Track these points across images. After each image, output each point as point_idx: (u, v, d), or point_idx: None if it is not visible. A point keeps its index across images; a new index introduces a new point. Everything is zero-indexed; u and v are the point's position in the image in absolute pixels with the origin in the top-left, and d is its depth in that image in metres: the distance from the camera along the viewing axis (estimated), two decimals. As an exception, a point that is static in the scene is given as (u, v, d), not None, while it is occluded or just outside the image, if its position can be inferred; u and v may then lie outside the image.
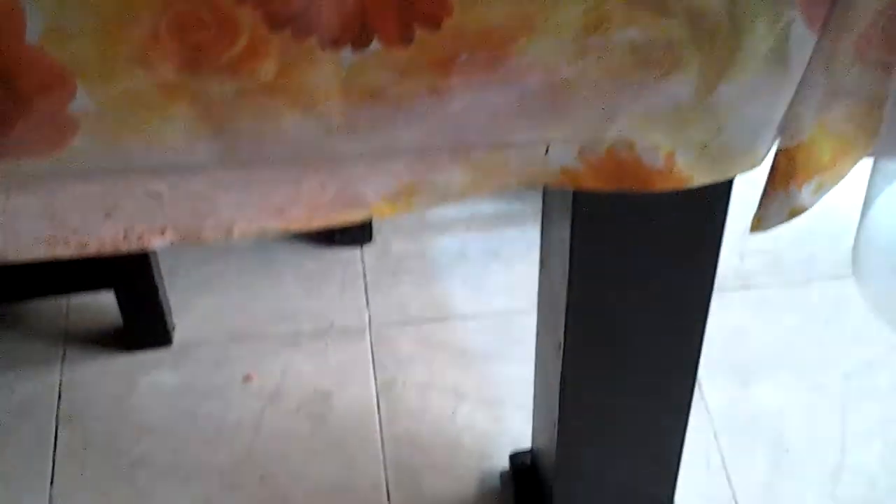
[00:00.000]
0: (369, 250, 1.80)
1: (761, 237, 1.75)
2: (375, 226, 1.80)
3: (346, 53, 0.72)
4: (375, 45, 0.72)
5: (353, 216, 0.85)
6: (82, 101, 0.73)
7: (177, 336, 1.68)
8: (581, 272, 1.06)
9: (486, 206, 1.85)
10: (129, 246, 0.84)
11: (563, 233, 1.05)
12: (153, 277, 1.58)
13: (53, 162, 0.77)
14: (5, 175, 0.77)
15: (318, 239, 1.81)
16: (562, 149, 0.82)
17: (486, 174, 0.83)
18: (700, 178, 0.83)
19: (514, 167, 0.83)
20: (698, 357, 1.17)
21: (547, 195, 1.14)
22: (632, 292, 1.09)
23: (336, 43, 0.72)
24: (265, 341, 1.68)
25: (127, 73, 0.72)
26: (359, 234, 1.79)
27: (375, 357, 1.65)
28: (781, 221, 0.94)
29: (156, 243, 0.84)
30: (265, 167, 0.82)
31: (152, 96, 0.74)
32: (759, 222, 0.95)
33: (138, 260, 1.55)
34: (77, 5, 0.68)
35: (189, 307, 1.72)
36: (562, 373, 1.17)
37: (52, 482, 1.51)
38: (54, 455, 1.54)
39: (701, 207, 1.01)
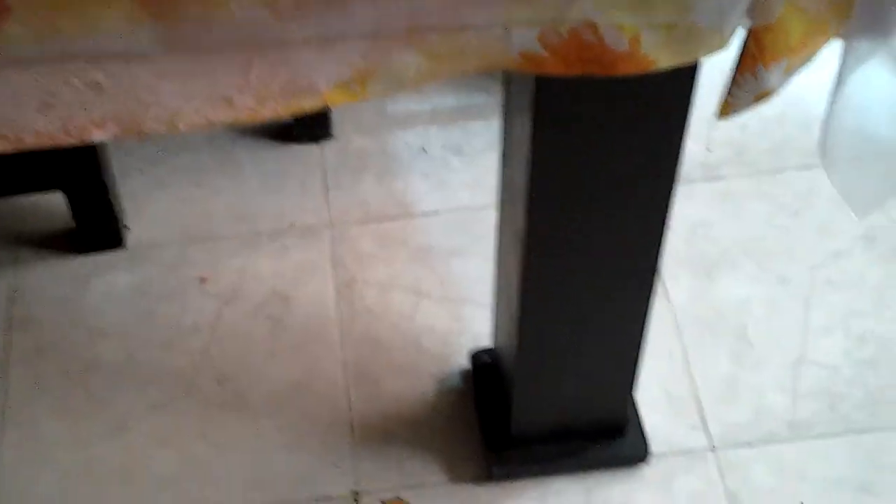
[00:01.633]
0: (329, 147, 1.76)
1: (728, 126, 1.73)
2: (335, 121, 1.76)
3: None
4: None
5: (304, 105, 0.82)
6: (12, -17, 0.69)
7: (131, 237, 1.64)
8: (542, 161, 1.04)
9: (449, 99, 1.81)
10: (68, 139, 0.81)
11: (524, 120, 1.02)
12: (103, 177, 1.54)
13: (-16, 49, 0.73)
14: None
15: (276, 135, 1.77)
16: (522, 31, 0.79)
17: (442, 59, 0.80)
18: (665, 60, 0.80)
19: (472, 51, 0.80)
20: (661, 249, 1.16)
21: (507, 83, 1.10)
22: (594, 182, 1.07)
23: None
24: (222, 242, 1.64)
25: (58, -50, 0.68)
26: (318, 129, 1.75)
27: (335, 256, 1.63)
28: (749, 105, 0.91)
29: (96, 136, 0.81)
30: (211, 54, 0.78)
31: (87, -24, 0.70)
32: (727, 107, 0.93)
33: (87, 159, 1.51)
34: None
35: (142, 208, 1.68)
36: (521, 266, 1.15)
37: (5, 388, 1.49)
38: (7, 361, 1.51)
39: (666, 93, 0.98)
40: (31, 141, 0.79)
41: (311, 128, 1.75)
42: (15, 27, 0.72)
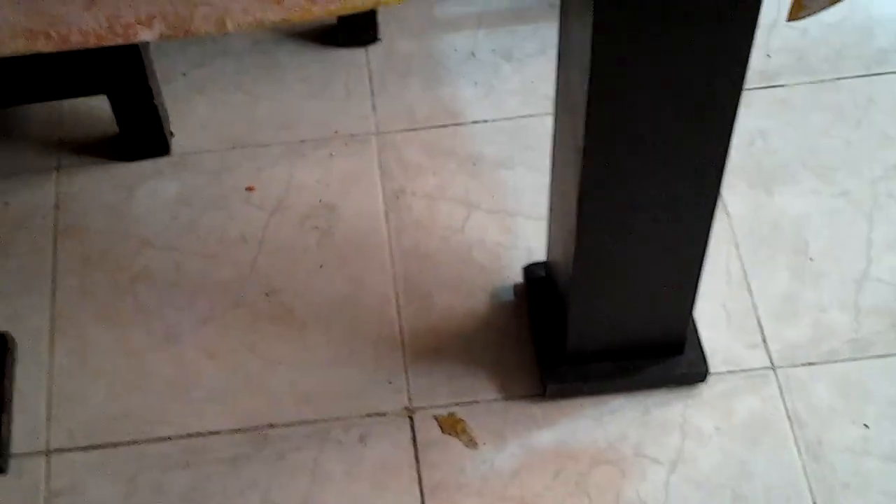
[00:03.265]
0: (374, 51, 1.71)
1: (787, 33, 1.67)
2: (381, 25, 1.71)
3: None
4: None
5: (356, 2, 0.78)
6: None
7: (175, 144, 1.61)
8: (603, 67, 0.99)
9: (497, 2, 1.75)
10: (114, 39, 0.77)
11: (584, 21, 0.97)
12: (147, 80, 1.50)
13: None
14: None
15: (320, 39, 1.72)
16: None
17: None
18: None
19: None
20: (725, 161, 1.11)
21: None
22: (657, 90, 1.02)
23: None
24: (267, 149, 1.61)
25: None
26: (363, 33, 1.70)
27: (382, 165, 1.59)
28: (824, 6, 0.86)
29: (143, 35, 0.77)
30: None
31: None
32: (799, 9, 0.88)
33: (131, 61, 1.47)
34: None
35: (187, 114, 1.64)
36: (579, 178, 1.11)
37: (53, 296, 1.47)
38: (54, 269, 1.49)
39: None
40: (76, 40, 0.76)
41: (356, 31, 1.70)
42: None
